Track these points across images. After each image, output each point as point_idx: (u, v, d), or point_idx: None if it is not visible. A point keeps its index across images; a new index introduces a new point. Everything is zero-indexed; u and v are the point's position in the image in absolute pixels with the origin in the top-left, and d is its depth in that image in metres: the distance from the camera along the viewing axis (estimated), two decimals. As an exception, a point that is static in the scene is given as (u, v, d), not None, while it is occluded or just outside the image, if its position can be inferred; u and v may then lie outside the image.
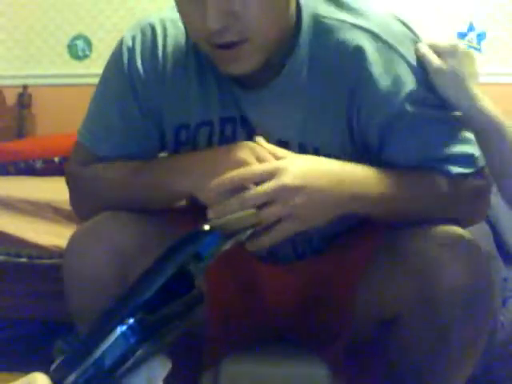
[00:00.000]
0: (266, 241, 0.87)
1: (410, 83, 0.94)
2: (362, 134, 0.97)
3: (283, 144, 0.96)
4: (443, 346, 0.89)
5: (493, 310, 0.91)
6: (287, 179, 0.85)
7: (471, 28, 2.80)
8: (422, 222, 0.93)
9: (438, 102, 0.96)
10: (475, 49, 2.79)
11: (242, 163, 0.87)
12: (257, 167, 0.87)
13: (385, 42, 0.95)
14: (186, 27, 0.95)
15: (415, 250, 0.90)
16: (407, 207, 0.95)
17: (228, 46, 0.87)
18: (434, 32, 2.73)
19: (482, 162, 0.97)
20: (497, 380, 1.48)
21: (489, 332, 0.92)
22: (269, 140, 0.94)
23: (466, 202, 0.98)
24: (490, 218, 1.62)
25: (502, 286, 1.50)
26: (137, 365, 0.27)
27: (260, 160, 0.88)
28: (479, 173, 0.97)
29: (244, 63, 0.89)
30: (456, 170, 0.95)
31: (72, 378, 0.26)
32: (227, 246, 0.33)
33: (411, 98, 0.94)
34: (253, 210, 0.78)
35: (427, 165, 0.95)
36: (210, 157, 0.92)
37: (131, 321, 0.26)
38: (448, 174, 0.95)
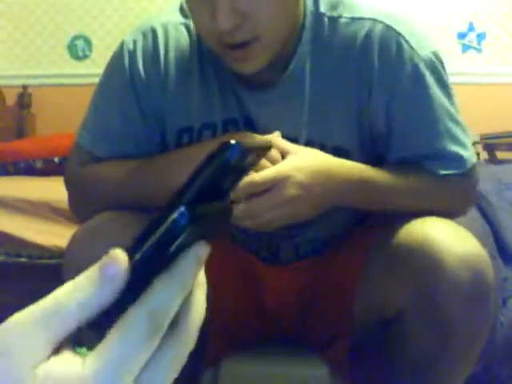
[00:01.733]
0: (249, 224, 0.89)
1: (412, 62, 0.95)
2: (372, 126, 0.98)
3: (290, 142, 0.96)
4: (444, 343, 0.89)
5: (493, 308, 0.91)
6: (291, 190, 0.87)
7: (471, 28, 2.80)
8: (421, 217, 0.93)
9: (443, 86, 0.97)
10: (475, 49, 2.79)
11: None
12: (263, 176, 0.87)
13: (387, 27, 0.95)
14: (196, 27, 0.95)
15: (415, 248, 0.90)
16: (392, 203, 0.96)
17: (239, 46, 0.88)
18: (434, 32, 2.74)
19: (471, 163, 0.98)
20: (497, 379, 1.48)
21: (489, 331, 0.92)
22: None
23: (448, 201, 1.00)
24: (490, 218, 1.62)
25: (501, 285, 1.50)
26: (186, 244, 0.34)
27: None
28: (466, 173, 0.98)
29: (255, 62, 0.90)
30: (444, 171, 0.96)
31: (138, 255, 0.34)
32: (246, 160, 0.38)
33: (414, 74, 0.95)
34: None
35: (420, 159, 0.97)
36: (207, 148, 0.92)
37: (182, 208, 0.33)
38: (436, 174, 0.97)
